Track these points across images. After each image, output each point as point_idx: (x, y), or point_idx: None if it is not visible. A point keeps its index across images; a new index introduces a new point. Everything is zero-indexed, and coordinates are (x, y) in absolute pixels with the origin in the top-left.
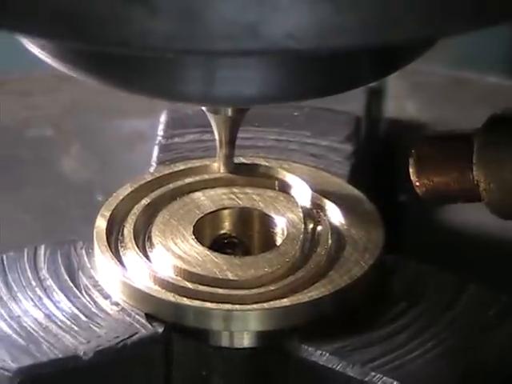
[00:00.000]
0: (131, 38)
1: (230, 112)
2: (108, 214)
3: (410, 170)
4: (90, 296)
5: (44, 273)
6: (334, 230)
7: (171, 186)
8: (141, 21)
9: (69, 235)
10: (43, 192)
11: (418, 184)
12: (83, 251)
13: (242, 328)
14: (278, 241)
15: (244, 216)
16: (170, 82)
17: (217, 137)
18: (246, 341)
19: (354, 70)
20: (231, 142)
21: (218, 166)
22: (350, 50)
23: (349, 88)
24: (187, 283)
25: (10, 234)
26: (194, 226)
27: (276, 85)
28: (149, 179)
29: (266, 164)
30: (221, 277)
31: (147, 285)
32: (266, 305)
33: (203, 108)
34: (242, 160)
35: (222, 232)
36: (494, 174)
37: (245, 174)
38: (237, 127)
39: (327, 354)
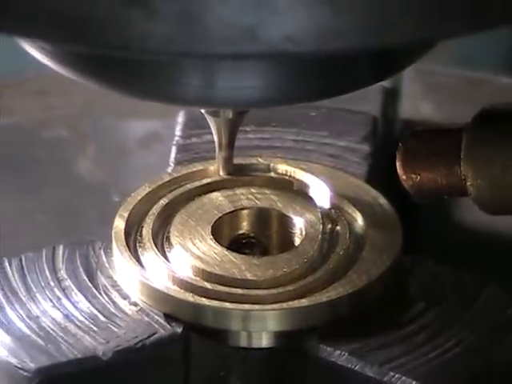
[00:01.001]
0: (130, 41)
1: (228, 114)
2: (126, 215)
3: (397, 164)
4: (108, 296)
5: (62, 273)
6: (352, 230)
7: (189, 186)
8: (140, 24)
9: (86, 236)
10: (60, 193)
11: (404, 178)
12: (101, 251)
13: (261, 328)
14: (297, 241)
15: (262, 216)
16: (169, 84)
17: (216, 139)
18: (264, 341)
19: (354, 72)
20: (230, 145)
21: (216, 169)
22: (349, 53)
23: (349, 90)
24: (206, 283)
25: (28, 235)
26: (212, 226)
27: (275, 87)
28: (167, 179)
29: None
30: (239, 277)
31: (166, 285)
32: (284, 305)
33: (202, 110)
34: (260, 160)
35: (240, 232)
36: (481, 170)
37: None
38: (236, 129)
39: (346, 354)
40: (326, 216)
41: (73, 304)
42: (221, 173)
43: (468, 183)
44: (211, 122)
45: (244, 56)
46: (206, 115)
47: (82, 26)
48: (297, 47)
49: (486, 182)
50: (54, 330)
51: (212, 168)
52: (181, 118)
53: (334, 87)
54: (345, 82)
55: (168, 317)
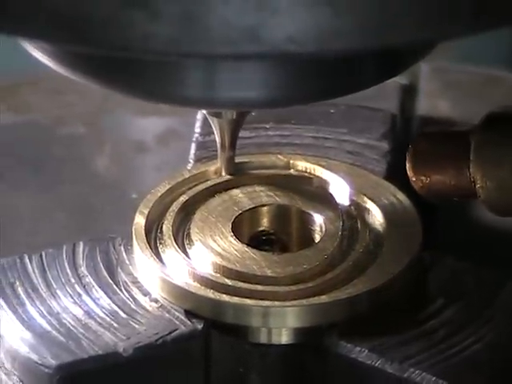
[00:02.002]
0: (132, 42)
1: (231, 115)
2: (146, 211)
3: (407, 166)
4: (129, 293)
5: (83, 270)
6: (372, 227)
7: (209, 183)
8: (142, 25)
9: (104, 233)
10: (77, 190)
11: (414, 179)
12: (122, 248)
13: (280, 325)
14: (316, 238)
15: (282, 213)
16: (171, 85)
17: (218, 140)
18: (283, 337)
19: (355, 73)
20: (232, 145)
21: (219, 170)
22: (350, 53)
23: (353, 90)
24: (226, 280)
25: (46, 232)
26: (232, 223)
27: (278, 88)
28: (186, 176)
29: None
30: (260, 273)
31: (186, 281)
32: (304, 301)
33: (204, 111)
34: (280, 157)
35: (260, 229)
36: (490, 172)
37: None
38: (238, 130)
39: (366, 351)
40: (346, 213)
41: (93, 300)
42: (223, 173)
43: (477, 185)
44: (213, 122)
45: (246, 56)
46: (208, 116)
47: (84, 27)
48: (298, 48)
49: (495, 184)
50: (74, 327)
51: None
52: (200, 115)
53: (335, 88)
54: (346, 82)
55: (188, 313)
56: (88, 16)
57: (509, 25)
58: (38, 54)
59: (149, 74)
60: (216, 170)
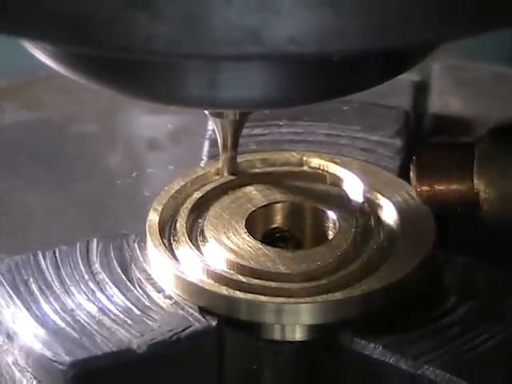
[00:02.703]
0: (134, 43)
1: (232, 116)
2: (160, 208)
3: (411, 176)
4: (143, 289)
5: (97, 266)
6: (385, 224)
7: (222, 180)
8: (144, 25)
9: (116, 230)
10: (90, 187)
11: (418, 190)
12: (135, 245)
13: (294, 321)
14: (330, 235)
15: (296, 210)
16: (173, 86)
17: (219, 140)
18: (297, 334)
19: (356, 73)
20: (234, 146)
21: (220, 170)
22: (352, 54)
23: (354, 91)
24: (240, 276)
25: (59, 229)
26: (245, 220)
27: (279, 88)
28: (200, 173)
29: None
30: (273, 270)
31: (200, 278)
32: (318, 298)
33: (206, 112)
34: (293, 154)
35: (274, 226)
36: (494, 184)
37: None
38: (240, 131)
39: (380, 348)
40: (359, 210)
41: (107, 297)
42: (224, 174)
43: (481, 196)
44: (215, 123)
45: (248, 57)
46: (210, 116)
47: (86, 28)
48: (300, 48)
49: (499, 196)
50: (88, 323)
51: (245, 161)
52: None
53: (336, 88)
54: (347, 83)
55: (202, 310)
56: (90, 17)
57: (509, 26)
58: (39, 54)
59: (150, 74)
60: (217, 170)
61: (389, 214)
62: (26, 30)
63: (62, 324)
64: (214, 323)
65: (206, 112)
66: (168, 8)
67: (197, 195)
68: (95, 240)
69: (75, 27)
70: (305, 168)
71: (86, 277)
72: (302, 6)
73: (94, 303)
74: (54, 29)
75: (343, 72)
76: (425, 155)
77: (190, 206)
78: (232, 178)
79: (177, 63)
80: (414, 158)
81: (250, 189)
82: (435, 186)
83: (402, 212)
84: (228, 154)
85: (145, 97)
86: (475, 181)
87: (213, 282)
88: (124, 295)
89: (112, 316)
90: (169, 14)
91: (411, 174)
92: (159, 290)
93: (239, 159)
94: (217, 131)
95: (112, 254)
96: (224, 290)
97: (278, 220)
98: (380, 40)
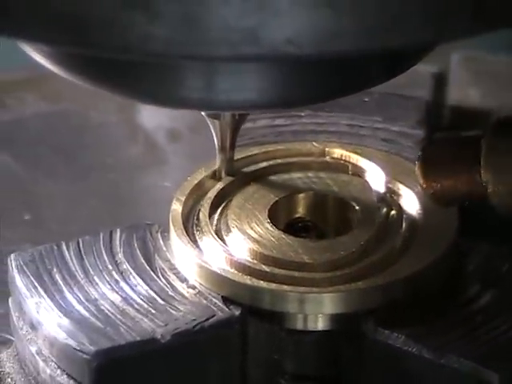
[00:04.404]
0: (131, 44)
1: (229, 117)
2: (183, 198)
3: (417, 172)
4: (166, 279)
5: (120, 256)
6: (408, 213)
7: (245, 170)
8: (141, 26)
9: (136, 220)
10: (110, 178)
11: (425, 186)
12: (158, 235)
13: (317, 311)
14: (352, 224)
15: (318, 200)
16: (170, 88)
17: (216, 142)
18: (320, 324)
19: (354, 75)
20: (231, 147)
21: (218, 172)
22: (350, 55)
23: (349, 93)
24: (263, 266)
25: (81, 220)
26: (268, 210)
27: (276, 90)
28: None
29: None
30: (296, 260)
31: (224, 268)
32: (341, 287)
33: (203, 113)
34: (315, 145)
35: (297, 216)
36: (502, 177)
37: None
38: (237, 132)
39: (403, 337)
40: (382, 200)
41: (131, 287)
42: (222, 175)
43: (489, 190)
44: (212, 124)
45: (245, 58)
46: (207, 118)
47: (83, 29)
48: (298, 49)
49: (507, 189)
50: (112, 313)
51: (268, 151)
52: None
53: (334, 89)
54: (347, 83)
55: (226, 299)
56: (87, 17)
57: (507, 26)
58: (38, 56)
59: (147, 76)
60: (214, 172)
61: (411, 204)
62: (25, 32)
63: (86, 314)
64: (237, 313)
65: (203, 113)
66: (165, 9)
67: (220, 185)
68: (118, 230)
69: (73, 28)
70: (327, 158)
71: (110, 267)
72: (300, 7)
73: (117, 293)
74: (52, 30)
75: (341, 72)
76: (431, 150)
77: (212, 196)
78: (254, 168)
79: (173, 65)
80: (419, 153)
81: (272, 179)
82: (442, 182)
83: (423, 201)
84: (224, 155)
85: (141, 98)
86: (483, 175)
87: (236, 271)
88: (147, 285)
89: (136, 306)
90: (166, 15)
91: (417, 169)
92: (183, 280)
93: (261, 149)
94: (214, 133)
95: (135, 244)
96: (247, 280)
97: (301, 210)
98: (377, 41)
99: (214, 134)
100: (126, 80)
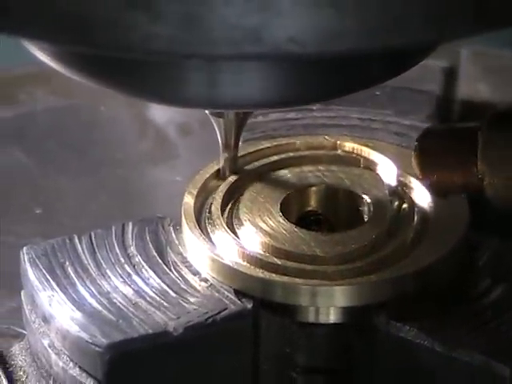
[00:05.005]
0: (134, 43)
1: (233, 116)
2: (195, 192)
3: (413, 163)
4: (178, 272)
5: (132, 249)
6: (419, 207)
7: (257, 163)
8: (144, 25)
9: (148, 214)
10: (121, 172)
11: (421, 177)
12: (171, 228)
13: (329, 304)
14: (364, 218)
15: (330, 193)
16: (173, 87)
17: (220, 140)
18: (331, 317)
19: (355, 73)
20: (235, 146)
21: (222, 170)
22: (352, 54)
23: (349, 92)
24: (275, 259)
25: (92, 214)
26: (280, 203)
27: (280, 88)
28: None
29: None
30: (308, 253)
31: (236, 261)
32: (352, 280)
33: (207, 112)
34: (327, 138)
35: (309, 209)
36: (498, 170)
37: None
38: (240, 130)
39: (415, 330)
40: (393, 193)
41: (143, 280)
42: (226, 174)
43: (485, 182)
44: (215, 123)
45: (248, 57)
46: (211, 116)
47: (86, 28)
48: (300, 48)
49: (503, 181)
50: (125, 306)
51: (279, 145)
52: None
53: (335, 88)
54: (347, 82)
55: (238, 292)
56: (90, 17)
57: (509, 26)
58: (40, 54)
59: (149, 75)
60: (218, 171)
61: (422, 198)
62: (26, 31)
63: (99, 307)
64: (249, 306)
65: (207, 112)
66: (168, 8)
67: (231, 179)
68: (130, 223)
69: (76, 27)
70: (339, 152)
71: (122, 260)
72: (302, 6)
73: (130, 286)
74: (55, 29)
75: (343, 72)
76: (427, 142)
77: (225, 190)
78: (266, 161)
79: (176, 63)
80: (416, 144)
81: (284, 172)
82: (438, 173)
83: None
84: (228, 154)
85: (144, 97)
86: (479, 167)
87: (248, 264)
88: (160, 278)
89: (148, 299)
90: (168, 14)
91: (413, 160)
92: (195, 273)
93: (273, 143)
94: (218, 131)
95: (147, 237)
96: (259, 273)
97: (313, 203)
98: (380, 40)
99: (217, 133)
100: (130, 79)
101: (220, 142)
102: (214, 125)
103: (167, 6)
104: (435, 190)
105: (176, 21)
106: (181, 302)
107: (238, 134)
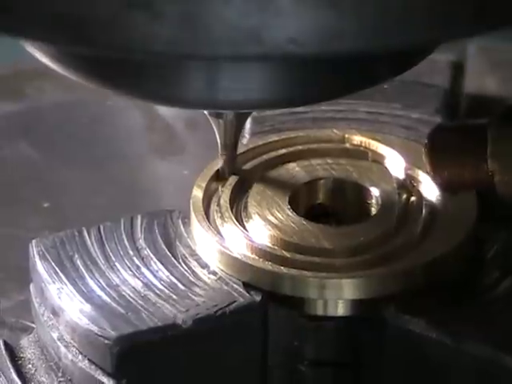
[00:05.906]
0: (133, 43)
1: (232, 116)
2: (204, 185)
3: (424, 160)
4: (187, 265)
5: (141, 242)
6: (427, 200)
7: (265, 157)
8: (143, 26)
9: (155, 208)
10: (128, 166)
11: (432, 173)
12: (179, 221)
13: (337, 296)
14: (372, 211)
15: (338, 186)
16: (172, 87)
17: (219, 140)
18: (340, 309)
19: (356, 74)
20: (233, 146)
21: (221, 170)
22: (352, 55)
23: (350, 92)
24: (284, 252)
25: (99, 207)
26: (289, 196)
27: (279, 89)
28: (242, 151)
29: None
30: (317, 246)
31: (244, 254)
32: (361, 273)
33: (205, 112)
34: (335, 131)
35: (317, 202)
36: (508, 166)
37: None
38: (239, 131)
39: (423, 323)
40: (401, 186)
41: (152, 273)
42: (226, 174)
43: (496, 179)
44: (214, 123)
45: (247, 58)
46: (209, 117)
47: (85, 28)
48: (300, 49)
49: None
50: (133, 299)
51: (287, 138)
52: None
53: (335, 89)
54: (348, 83)
55: (247, 285)
56: (89, 17)
57: (509, 26)
58: (38, 54)
59: (148, 75)
60: (218, 171)
61: (430, 191)
62: (26, 31)
63: (108, 299)
64: (258, 298)
65: (206, 112)
66: (167, 8)
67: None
68: (139, 216)
69: (75, 28)
70: (347, 145)
71: (131, 252)
72: (302, 6)
73: (139, 279)
74: (54, 29)
75: (345, 72)
76: (437, 139)
77: (233, 183)
78: (274, 155)
79: (175, 64)
80: (426, 141)
81: (292, 165)
82: (449, 170)
83: None
84: (226, 154)
85: (143, 98)
86: (489, 163)
87: (257, 257)
88: (169, 271)
89: (157, 291)
90: (168, 14)
91: (424, 157)
92: (204, 266)
93: (281, 136)
94: (216, 131)
95: (156, 230)
96: (268, 266)
97: (321, 196)
98: (380, 40)
99: (216, 133)
100: (129, 80)
101: (219, 142)
102: (213, 125)
103: (167, 6)
104: (446, 186)
105: (176, 21)
106: (189, 294)
107: (237, 134)
